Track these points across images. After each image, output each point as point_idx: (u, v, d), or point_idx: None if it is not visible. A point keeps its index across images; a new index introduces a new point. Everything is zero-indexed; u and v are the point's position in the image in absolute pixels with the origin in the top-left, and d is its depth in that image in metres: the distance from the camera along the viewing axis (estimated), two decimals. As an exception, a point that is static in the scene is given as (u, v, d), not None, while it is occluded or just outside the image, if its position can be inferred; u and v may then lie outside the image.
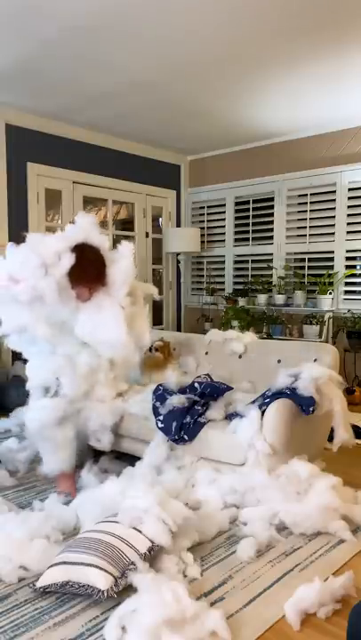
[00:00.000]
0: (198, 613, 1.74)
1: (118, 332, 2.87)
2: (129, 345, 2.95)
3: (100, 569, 1.88)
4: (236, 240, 6.17)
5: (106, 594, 1.83)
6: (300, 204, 5.64)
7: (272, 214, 5.78)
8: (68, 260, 2.81)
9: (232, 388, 3.18)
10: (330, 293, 5.19)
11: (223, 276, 6.29)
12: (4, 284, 2.76)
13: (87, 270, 2.89)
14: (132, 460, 3.08)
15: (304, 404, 2.75)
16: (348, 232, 5.22)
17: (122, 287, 3.01)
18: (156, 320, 6.42)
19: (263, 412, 2.76)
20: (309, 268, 5.55)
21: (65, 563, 1.95)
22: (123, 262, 3.05)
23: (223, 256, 6.28)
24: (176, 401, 3.01)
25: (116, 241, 6.30)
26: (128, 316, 2.99)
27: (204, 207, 6.46)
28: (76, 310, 2.90)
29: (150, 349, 3.53)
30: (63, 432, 2.85)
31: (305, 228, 5.56)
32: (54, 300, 2.77)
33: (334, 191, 5.28)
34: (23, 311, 2.78)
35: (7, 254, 2.87)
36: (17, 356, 4.97)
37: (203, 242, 6.38)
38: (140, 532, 2.08)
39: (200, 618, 1.73)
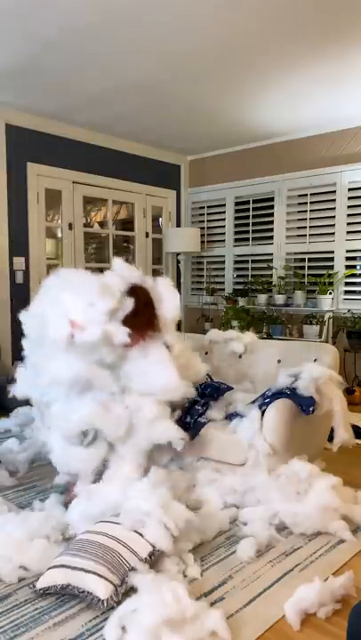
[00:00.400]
0: (198, 613, 1.74)
1: (169, 376, 2.66)
2: (182, 387, 2.70)
3: (100, 576, 1.87)
4: (236, 240, 6.16)
5: (105, 603, 1.82)
6: (300, 204, 5.64)
7: (272, 214, 5.78)
8: (129, 304, 2.62)
9: (232, 388, 3.18)
10: (330, 293, 5.19)
11: (223, 276, 6.29)
12: (66, 334, 2.50)
13: (142, 317, 2.69)
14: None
15: (304, 404, 2.75)
16: (348, 232, 5.22)
17: (170, 327, 2.86)
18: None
19: (263, 412, 2.76)
20: (309, 267, 5.55)
21: (65, 566, 1.93)
22: (169, 302, 2.88)
23: (223, 256, 6.28)
24: (176, 401, 3.00)
25: (116, 241, 6.33)
26: (179, 356, 2.82)
27: (204, 207, 6.46)
28: (122, 357, 2.67)
29: None
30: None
31: (305, 227, 5.55)
32: (123, 344, 2.57)
33: (334, 191, 5.28)
34: (78, 360, 2.54)
35: (65, 299, 2.58)
36: (17, 357, 4.97)
37: (203, 242, 6.38)
38: (141, 535, 2.07)
39: (200, 618, 1.73)
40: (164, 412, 2.65)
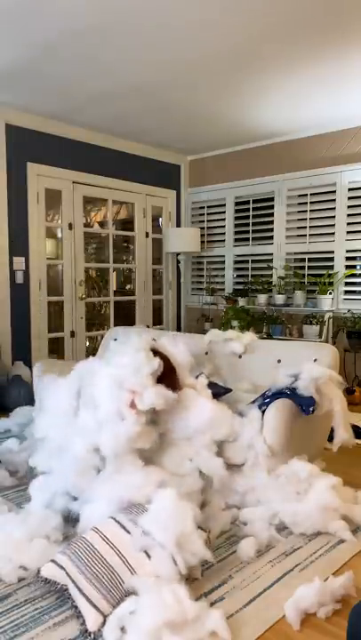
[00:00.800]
0: (199, 614, 1.74)
1: (208, 410, 2.70)
2: (223, 417, 2.73)
3: (93, 605, 1.79)
4: (236, 240, 6.17)
5: (92, 635, 1.74)
6: (300, 204, 5.64)
7: (272, 214, 5.78)
8: (160, 367, 2.68)
9: (230, 390, 3.18)
10: (330, 293, 5.19)
11: (223, 276, 6.29)
12: (128, 402, 2.51)
13: (168, 379, 2.72)
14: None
15: (304, 404, 2.75)
16: (348, 232, 5.22)
17: (186, 372, 2.93)
18: (156, 320, 6.42)
19: (263, 412, 2.76)
20: (309, 267, 5.55)
21: (65, 571, 1.89)
22: (179, 355, 2.96)
23: (223, 256, 6.28)
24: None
25: (116, 241, 6.33)
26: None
27: (204, 207, 6.46)
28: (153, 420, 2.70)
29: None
30: None
31: (305, 228, 5.56)
32: (169, 406, 2.63)
33: (334, 191, 5.28)
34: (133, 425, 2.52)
35: (110, 373, 2.62)
36: (17, 357, 4.97)
37: (203, 242, 6.38)
38: (148, 556, 1.96)
39: (200, 618, 1.73)
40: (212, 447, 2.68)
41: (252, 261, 6.03)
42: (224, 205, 6.24)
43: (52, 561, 1.95)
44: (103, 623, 1.77)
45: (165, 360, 2.79)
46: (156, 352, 2.79)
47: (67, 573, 1.89)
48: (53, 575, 1.91)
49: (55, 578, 1.91)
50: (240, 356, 3.53)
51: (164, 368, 2.72)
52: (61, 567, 1.92)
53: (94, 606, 1.80)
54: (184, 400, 2.75)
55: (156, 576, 1.91)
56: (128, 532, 2.03)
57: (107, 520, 2.12)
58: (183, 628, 1.68)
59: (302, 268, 5.61)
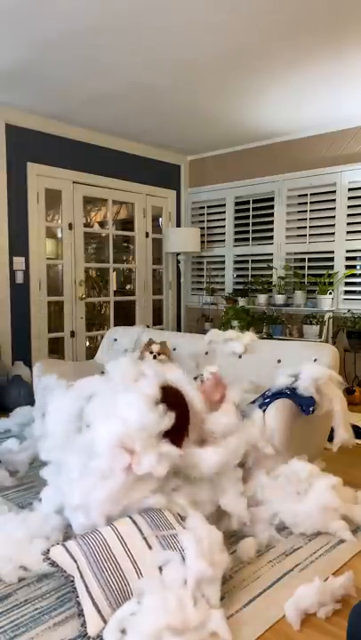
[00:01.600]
0: (202, 619, 1.72)
1: (218, 456, 2.42)
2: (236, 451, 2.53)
3: (97, 611, 1.77)
4: (236, 240, 6.17)
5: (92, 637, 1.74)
6: (300, 204, 5.64)
7: (272, 214, 5.78)
8: (171, 418, 2.31)
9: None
10: (330, 293, 5.19)
11: (223, 276, 6.29)
12: (125, 466, 2.16)
13: (179, 429, 2.38)
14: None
15: (304, 404, 2.75)
16: (348, 232, 5.22)
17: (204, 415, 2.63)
18: (156, 320, 6.42)
19: (263, 412, 2.76)
20: (309, 267, 5.55)
21: (77, 564, 1.86)
22: (196, 401, 2.60)
23: (223, 256, 6.28)
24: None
25: (116, 241, 6.33)
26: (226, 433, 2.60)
27: (204, 207, 6.46)
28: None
29: (155, 357, 3.46)
30: None
31: (305, 228, 5.56)
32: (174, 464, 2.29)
33: (334, 191, 5.28)
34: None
35: (115, 422, 2.26)
36: (17, 357, 4.98)
37: (203, 242, 6.38)
38: (160, 570, 1.90)
39: (201, 620, 1.73)
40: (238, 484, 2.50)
41: (252, 261, 6.03)
42: (224, 205, 6.24)
43: (63, 546, 1.91)
44: (103, 628, 1.75)
45: (179, 406, 2.45)
46: (169, 393, 2.46)
47: (77, 566, 1.85)
48: (62, 562, 1.87)
49: (64, 565, 1.86)
50: (240, 356, 3.53)
51: (177, 412, 2.37)
52: (72, 557, 1.88)
53: (98, 611, 1.77)
54: (192, 460, 2.42)
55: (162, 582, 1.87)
56: (145, 539, 1.97)
57: (124, 519, 2.06)
58: (185, 631, 1.67)
59: (302, 268, 5.61)
